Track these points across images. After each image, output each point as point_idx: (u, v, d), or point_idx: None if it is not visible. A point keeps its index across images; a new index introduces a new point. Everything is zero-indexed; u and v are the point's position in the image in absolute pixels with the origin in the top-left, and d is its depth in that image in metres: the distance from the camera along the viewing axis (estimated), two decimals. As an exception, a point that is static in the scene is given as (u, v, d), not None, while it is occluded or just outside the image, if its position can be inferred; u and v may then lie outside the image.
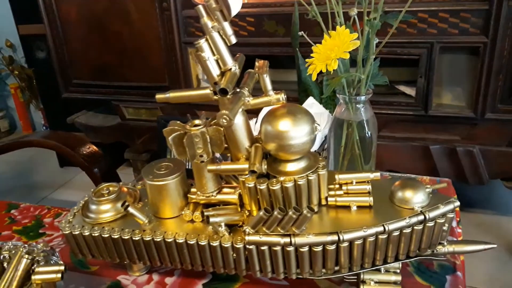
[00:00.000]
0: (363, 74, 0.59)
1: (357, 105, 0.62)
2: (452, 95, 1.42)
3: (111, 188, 0.55)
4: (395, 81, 1.50)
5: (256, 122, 0.72)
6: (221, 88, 0.39)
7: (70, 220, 0.53)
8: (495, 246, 0.48)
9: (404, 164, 1.46)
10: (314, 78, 0.58)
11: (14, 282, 0.46)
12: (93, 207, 0.53)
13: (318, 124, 0.44)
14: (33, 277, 0.46)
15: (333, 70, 0.55)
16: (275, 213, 0.43)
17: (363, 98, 0.61)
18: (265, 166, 0.45)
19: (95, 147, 1.21)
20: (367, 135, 0.63)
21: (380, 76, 0.62)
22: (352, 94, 0.62)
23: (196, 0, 1.44)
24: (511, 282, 1.36)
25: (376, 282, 0.50)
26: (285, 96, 0.43)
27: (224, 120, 0.38)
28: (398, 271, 0.50)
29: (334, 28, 0.56)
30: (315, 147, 0.66)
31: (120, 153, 1.96)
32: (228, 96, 0.42)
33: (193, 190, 0.51)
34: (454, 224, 0.65)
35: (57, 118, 2.05)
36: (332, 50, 0.56)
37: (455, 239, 0.61)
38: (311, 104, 0.74)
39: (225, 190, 0.50)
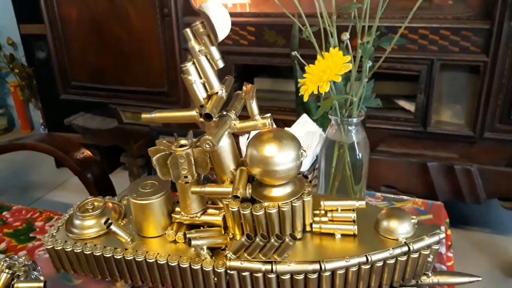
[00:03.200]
0: (355, 97, 0.59)
1: (349, 127, 0.61)
2: (452, 112, 1.41)
3: (95, 203, 0.54)
4: (395, 95, 1.50)
5: (248, 137, 0.71)
6: (205, 113, 0.39)
7: (54, 234, 0.53)
8: (480, 279, 0.47)
9: (401, 180, 1.45)
10: (305, 99, 0.58)
11: (-9, 298, 0.45)
12: (77, 222, 0.52)
13: (304, 151, 0.43)
14: (11, 293, 0.45)
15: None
16: (257, 240, 0.42)
17: (355, 120, 0.60)
18: (250, 190, 0.44)
19: (88, 152, 1.21)
20: (358, 157, 0.62)
21: (373, 98, 0.61)
22: (344, 115, 0.61)
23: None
24: (504, 302, 1.35)
25: (359, 310, 0.49)
26: (272, 121, 0.43)
27: (207, 146, 0.38)
28: (382, 299, 0.49)
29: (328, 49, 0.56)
30: (305, 167, 0.65)
31: (116, 156, 1.96)
32: (214, 119, 0.42)
33: (177, 209, 0.50)
34: (443, 250, 0.64)
35: (56, 118, 2.04)
36: (324, 71, 0.56)
37: (444, 267, 0.61)
38: (305, 122, 0.74)
39: (209, 211, 0.49)
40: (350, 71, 0.55)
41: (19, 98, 2.54)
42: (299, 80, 0.59)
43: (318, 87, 0.55)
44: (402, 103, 1.46)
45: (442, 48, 1.26)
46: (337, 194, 0.65)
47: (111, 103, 1.70)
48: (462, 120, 1.38)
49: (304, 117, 0.75)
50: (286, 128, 0.75)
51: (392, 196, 0.77)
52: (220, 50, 0.40)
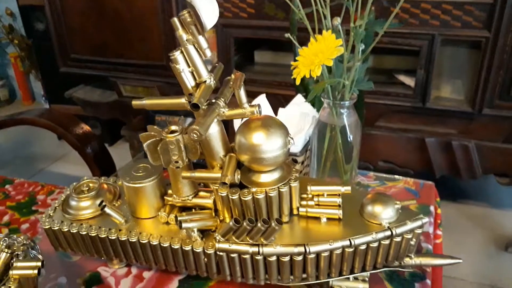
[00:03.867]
0: (348, 80, 0.59)
1: (341, 110, 0.61)
2: (451, 87, 1.41)
3: (91, 185, 0.56)
4: (395, 70, 1.49)
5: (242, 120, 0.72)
6: (193, 103, 0.39)
7: (51, 214, 0.54)
8: (461, 261, 0.49)
9: (399, 155, 1.46)
10: (298, 82, 0.58)
11: (-8, 276, 0.47)
12: (73, 203, 0.54)
13: (292, 138, 0.44)
14: (11, 272, 0.47)
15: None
16: (244, 224, 0.44)
17: (347, 103, 0.61)
18: (239, 176, 0.45)
19: (88, 127, 1.22)
20: (349, 139, 0.63)
21: (366, 81, 0.62)
22: (337, 98, 0.61)
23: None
24: (497, 274, 1.38)
25: (344, 289, 0.51)
26: (260, 109, 0.44)
27: (194, 135, 0.39)
28: (367, 279, 0.51)
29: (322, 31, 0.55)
30: (298, 148, 0.66)
31: (117, 128, 1.97)
32: (203, 106, 0.42)
33: (169, 192, 0.52)
34: (431, 230, 0.66)
35: (56, 90, 2.05)
36: (316, 55, 0.56)
37: (430, 246, 0.62)
38: (300, 102, 0.74)
39: (201, 194, 0.51)
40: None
41: (19, 69, 2.54)
42: (291, 63, 0.59)
43: (310, 71, 0.56)
44: (402, 77, 1.45)
45: (443, 23, 1.24)
46: (329, 175, 0.67)
47: (111, 76, 1.69)
48: (461, 96, 1.37)
49: (299, 97, 0.76)
50: (280, 109, 0.75)
51: (384, 175, 0.78)
52: (219, 23, 0.40)
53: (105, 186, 0.57)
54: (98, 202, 0.53)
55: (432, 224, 0.67)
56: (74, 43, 1.67)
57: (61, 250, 0.55)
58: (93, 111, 1.83)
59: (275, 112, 0.76)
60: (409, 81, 1.42)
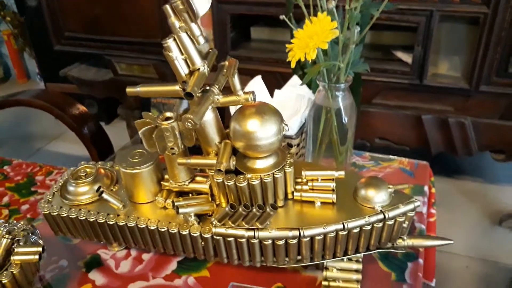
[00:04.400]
0: (343, 63, 0.59)
1: (336, 93, 0.61)
2: (449, 64, 1.40)
3: (88, 170, 0.56)
4: (393, 46, 1.47)
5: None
6: (186, 92, 0.39)
7: (50, 199, 0.55)
8: (452, 242, 0.50)
9: (395, 132, 1.46)
10: (293, 65, 0.58)
11: (-6, 261, 0.48)
12: (71, 188, 0.54)
13: (286, 124, 0.45)
14: (12, 257, 0.48)
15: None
16: (240, 209, 0.45)
17: (342, 86, 0.61)
18: (234, 163, 0.46)
19: (84, 108, 1.21)
20: (344, 121, 0.63)
21: (362, 63, 0.61)
22: (332, 81, 0.61)
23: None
24: (489, 248, 1.41)
25: (338, 270, 0.53)
26: (254, 96, 0.44)
27: (189, 124, 0.39)
28: (360, 259, 0.52)
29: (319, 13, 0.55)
30: (294, 131, 0.67)
31: (114, 106, 1.97)
32: (197, 95, 0.42)
33: (166, 177, 0.52)
34: (424, 210, 0.67)
35: (51, 68, 2.03)
36: (311, 38, 0.55)
37: (423, 226, 0.64)
38: (295, 84, 0.74)
39: (197, 179, 0.52)
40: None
41: (13, 47, 2.50)
42: (286, 46, 0.59)
43: (305, 54, 0.55)
44: (400, 54, 1.44)
45: (442, -1, 1.23)
46: (324, 156, 0.67)
47: (106, 54, 1.67)
48: (458, 73, 1.37)
49: (295, 78, 0.75)
50: (276, 91, 0.75)
51: (379, 155, 0.79)
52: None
53: (102, 171, 0.57)
54: (95, 187, 0.54)
55: (426, 204, 0.68)
56: (67, 20, 1.64)
57: (61, 234, 0.56)
58: (88, 90, 1.82)
59: (271, 94, 0.76)
60: (406, 57, 1.41)
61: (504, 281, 1.25)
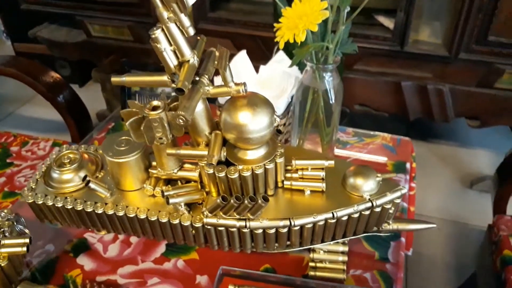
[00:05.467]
0: (331, 44, 0.57)
1: (324, 73, 0.61)
2: (430, 30, 1.39)
3: (71, 156, 0.55)
4: (375, 9, 1.45)
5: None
6: (177, 88, 0.38)
7: (33, 187, 0.54)
8: (435, 226, 0.52)
9: (375, 98, 1.47)
10: (281, 46, 0.56)
11: (-20, 253, 0.48)
12: (54, 175, 0.53)
13: (278, 116, 0.44)
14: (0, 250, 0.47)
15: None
16: (232, 201, 0.45)
17: (330, 67, 0.60)
18: (224, 154, 0.45)
19: (57, 75, 1.16)
20: (331, 101, 0.63)
21: (350, 43, 0.60)
22: (320, 61, 0.60)
23: None
24: (460, 210, 1.48)
25: (325, 252, 0.55)
26: (246, 88, 0.43)
27: (180, 121, 0.38)
28: (346, 241, 0.54)
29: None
30: (280, 110, 0.66)
31: (88, 68, 1.90)
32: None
33: (154, 164, 0.52)
34: (406, 187, 0.69)
35: (19, 28, 1.92)
36: (300, 18, 0.54)
37: (405, 204, 0.66)
38: (281, 60, 0.72)
39: (186, 166, 0.51)
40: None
41: (-26, 2, 2.33)
42: (274, 25, 0.57)
43: (294, 35, 0.54)
44: (382, 19, 1.42)
45: (426, -37, 1.20)
46: (309, 132, 0.67)
47: (77, 14, 1.59)
48: (439, 40, 1.37)
49: (281, 54, 0.74)
50: (262, 67, 0.74)
51: (362, 131, 0.80)
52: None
53: (86, 156, 0.56)
54: (81, 174, 0.52)
55: (408, 181, 0.70)
56: (34, -22, 1.54)
57: (47, 221, 0.55)
58: (60, 52, 1.74)
59: (256, 69, 0.74)
60: (388, 22, 1.40)
61: (474, 242, 1.32)
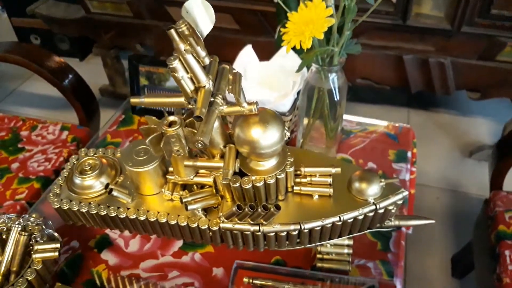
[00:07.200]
0: (337, 47, 0.59)
1: (329, 74, 0.63)
2: (433, 3, 1.38)
3: (91, 162, 0.58)
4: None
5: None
6: (196, 116, 0.40)
7: (57, 192, 0.57)
8: (434, 221, 0.56)
9: (377, 72, 1.48)
10: (288, 51, 0.58)
11: (15, 259, 0.52)
12: (77, 181, 0.56)
13: (288, 131, 0.47)
14: (33, 256, 0.52)
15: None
16: (246, 209, 0.49)
17: (335, 68, 0.62)
18: (238, 165, 0.48)
19: (61, 59, 1.17)
20: (336, 99, 0.65)
21: (354, 44, 0.62)
22: (326, 61, 0.62)
23: None
24: (459, 180, 1.53)
25: (331, 245, 0.59)
26: (258, 107, 0.45)
27: (199, 145, 0.41)
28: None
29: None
30: (287, 108, 0.68)
31: (86, 42, 1.89)
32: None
33: (171, 170, 0.55)
34: (407, 177, 0.72)
35: (16, 3, 1.89)
36: (307, 25, 0.55)
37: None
38: (284, 54, 0.74)
39: (201, 172, 0.54)
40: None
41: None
42: (280, 29, 0.58)
43: (300, 41, 0.56)
44: (384, -9, 1.41)
45: None
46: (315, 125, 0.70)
47: (75, -10, 1.57)
48: (441, 13, 1.36)
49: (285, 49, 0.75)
50: (266, 63, 0.75)
51: (366, 121, 0.82)
52: None
53: (105, 161, 0.59)
54: (102, 180, 0.56)
55: (409, 171, 0.73)
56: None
57: (72, 223, 0.59)
58: (59, 29, 1.73)
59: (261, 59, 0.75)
60: (391, -6, 1.38)
61: (472, 211, 1.37)
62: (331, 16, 0.54)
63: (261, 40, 1.45)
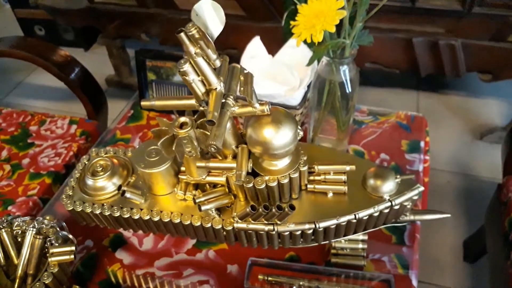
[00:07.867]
0: (349, 39, 0.58)
1: (341, 66, 0.61)
2: (443, -17, 1.34)
3: (102, 162, 0.58)
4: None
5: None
6: (208, 120, 0.40)
7: (70, 194, 0.57)
8: (449, 215, 0.55)
9: (386, 55, 1.46)
10: (298, 45, 0.57)
11: (31, 262, 0.52)
12: (89, 183, 0.56)
13: (301, 130, 0.46)
14: (49, 259, 0.52)
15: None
16: (260, 210, 0.48)
17: (346, 60, 0.60)
18: (251, 165, 0.48)
19: (67, 53, 1.16)
20: (348, 91, 0.64)
21: (366, 35, 0.60)
22: (337, 53, 0.61)
23: None
24: (470, 163, 1.51)
25: (346, 240, 0.59)
26: (270, 107, 0.44)
27: (212, 149, 0.40)
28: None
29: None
30: (297, 101, 0.67)
31: (91, 32, 1.87)
32: (215, 113, 0.42)
33: (183, 169, 0.54)
34: (420, 168, 0.71)
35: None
36: (317, 18, 0.54)
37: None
38: (293, 45, 0.72)
39: (213, 172, 0.54)
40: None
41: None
42: (290, 22, 0.57)
43: (311, 35, 0.54)
44: (393, -28, 1.37)
45: None
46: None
47: (77, -20, 1.55)
48: (452, -7, 1.32)
49: (294, 40, 0.73)
50: (275, 56, 0.74)
51: (377, 109, 0.81)
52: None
53: (116, 161, 0.58)
54: (114, 181, 0.56)
55: (422, 161, 0.72)
56: None
57: (85, 223, 0.59)
58: (63, 19, 1.72)
59: (270, 52, 0.74)
60: (399, -24, 1.35)
61: (484, 195, 1.36)
62: (342, 8, 0.53)
63: (268, 25, 1.42)
